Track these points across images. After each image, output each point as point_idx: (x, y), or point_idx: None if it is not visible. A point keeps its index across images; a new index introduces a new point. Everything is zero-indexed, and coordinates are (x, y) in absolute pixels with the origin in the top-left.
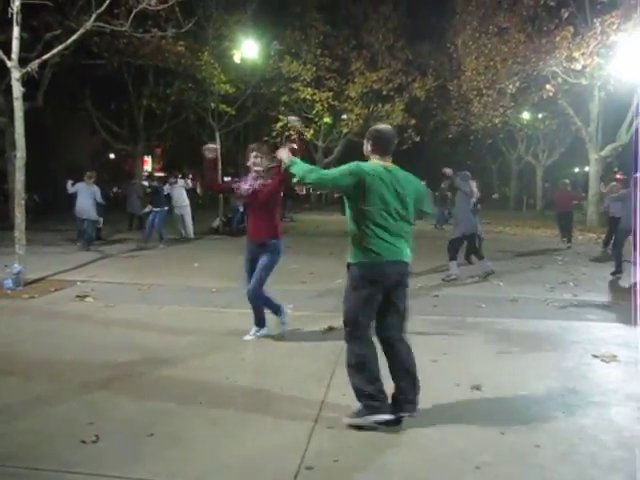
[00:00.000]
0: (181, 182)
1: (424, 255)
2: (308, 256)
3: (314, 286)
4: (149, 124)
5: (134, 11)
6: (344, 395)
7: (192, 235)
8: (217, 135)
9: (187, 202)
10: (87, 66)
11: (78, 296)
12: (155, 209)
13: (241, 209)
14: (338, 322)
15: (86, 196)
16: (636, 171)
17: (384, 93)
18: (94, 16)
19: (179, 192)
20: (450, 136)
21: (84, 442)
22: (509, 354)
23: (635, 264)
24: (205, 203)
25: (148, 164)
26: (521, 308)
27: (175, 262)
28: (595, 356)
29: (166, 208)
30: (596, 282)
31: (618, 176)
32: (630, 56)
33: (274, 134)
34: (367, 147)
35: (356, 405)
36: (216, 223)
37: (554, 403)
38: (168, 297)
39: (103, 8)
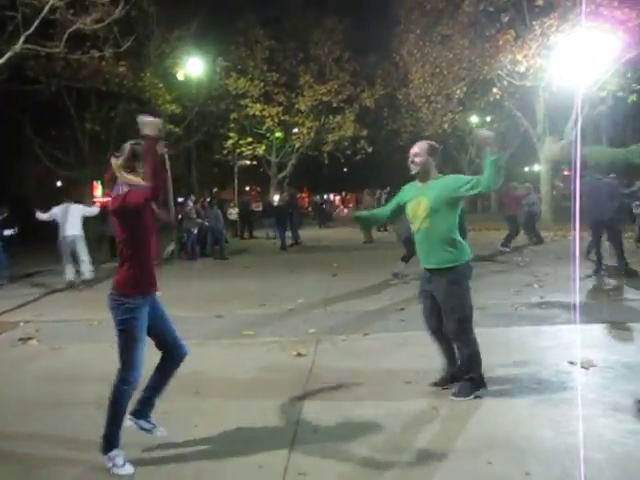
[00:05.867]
0: None
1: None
2: (269, 276)
3: (274, 309)
4: (95, 149)
5: (67, 31)
6: (315, 432)
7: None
8: (166, 156)
9: None
10: (25, 92)
11: (21, 339)
12: None
13: (195, 231)
14: (305, 348)
15: None
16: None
17: (334, 105)
18: (22, 38)
19: None
20: (402, 143)
21: None
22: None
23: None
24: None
25: (98, 189)
26: (489, 315)
27: None
28: (572, 363)
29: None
30: (560, 282)
31: (566, 173)
32: (569, 56)
33: (225, 152)
34: None
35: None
36: (171, 247)
37: (540, 421)
38: None
39: (32, 29)
